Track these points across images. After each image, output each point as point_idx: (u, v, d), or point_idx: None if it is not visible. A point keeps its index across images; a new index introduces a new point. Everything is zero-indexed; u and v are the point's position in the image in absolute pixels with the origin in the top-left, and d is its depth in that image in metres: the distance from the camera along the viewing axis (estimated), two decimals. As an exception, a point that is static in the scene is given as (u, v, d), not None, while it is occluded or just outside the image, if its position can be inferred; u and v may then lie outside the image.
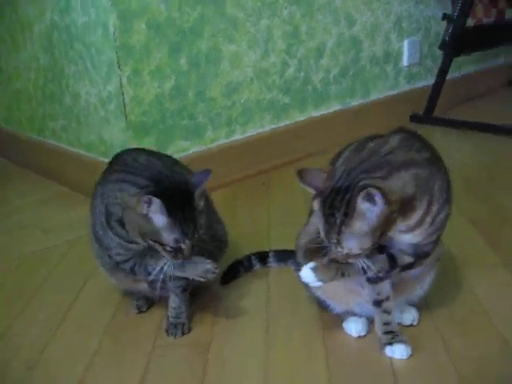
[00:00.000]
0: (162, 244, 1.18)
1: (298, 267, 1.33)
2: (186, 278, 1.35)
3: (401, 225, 1.10)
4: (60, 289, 1.61)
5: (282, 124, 2.51)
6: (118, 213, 1.23)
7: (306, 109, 2.60)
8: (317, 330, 1.34)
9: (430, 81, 3.16)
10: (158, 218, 1.16)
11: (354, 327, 1.30)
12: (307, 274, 1.16)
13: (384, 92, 2.96)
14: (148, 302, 1.48)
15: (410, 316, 1.32)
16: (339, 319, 1.34)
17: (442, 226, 1.14)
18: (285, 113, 2.51)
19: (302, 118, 2.59)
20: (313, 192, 1.12)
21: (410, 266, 1.18)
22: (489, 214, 1.90)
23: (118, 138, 2.05)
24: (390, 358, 1.21)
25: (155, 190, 1.16)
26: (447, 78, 3.04)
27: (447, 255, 1.44)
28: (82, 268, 1.69)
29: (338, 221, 1.06)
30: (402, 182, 1.07)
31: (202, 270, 1.25)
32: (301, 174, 1.12)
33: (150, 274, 1.29)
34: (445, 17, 2.76)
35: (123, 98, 1.95)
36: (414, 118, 3.00)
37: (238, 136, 2.35)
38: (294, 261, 1.40)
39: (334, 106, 2.73)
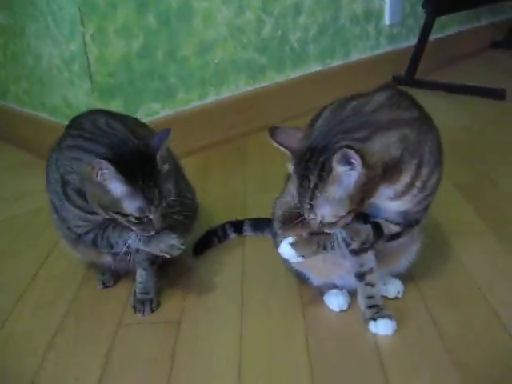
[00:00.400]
0: (124, 215, 1.07)
1: (276, 239, 1.24)
2: (153, 251, 1.25)
3: (386, 190, 1.00)
4: (20, 262, 1.50)
5: (259, 86, 2.39)
6: (75, 181, 1.12)
7: (284, 70, 2.48)
8: (295, 304, 1.25)
9: (412, 41, 3.05)
10: (115, 185, 1.05)
11: (335, 301, 1.22)
12: (286, 249, 1.07)
13: (365, 52, 2.85)
14: (114, 277, 1.38)
15: (394, 288, 1.24)
16: (319, 292, 1.26)
17: (433, 192, 1.04)
18: (261, 74, 2.39)
19: (280, 80, 2.47)
20: (287, 152, 1.02)
21: (397, 236, 1.09)
22: (474, 179, 1.83)
23: (83, 100, 1.91)
24: (374, 334, 1.14)
25: (108, 155, 1.04)
26: (430, 38, 2.92)
27: (431, 222, 1.35)
28: (45, 240, 1.58)
29: (312, 184, 0.96)
30: (386, 144, 0.97)
31: (166, 245, 1.15)
32: (273, 131, 1.02)
33: (112, 246, 1.19)
34: (428, -28, 2.64)
35: (87, 58, 1.81)
36: (396, 80, 2.90)
37: (211, 98, 2.22)
38: (270, 231, 1.31)
39: (313, 67, 2.61)
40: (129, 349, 1.16)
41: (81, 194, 1.12)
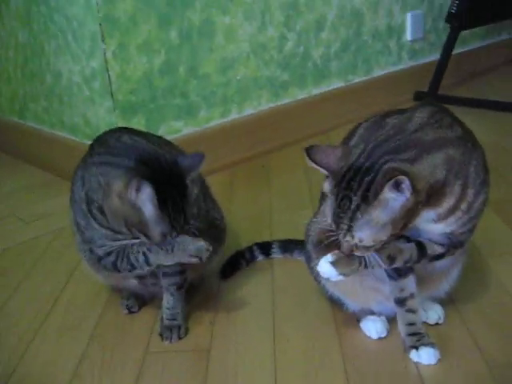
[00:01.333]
0: (147, 236, 1.03)
1: (310, 262, 1.19)
2: (181, 273, 1.20)
3: (430, 213, 0.94)
4: (42, 286, 1.45)
5: (281, 102, 2.34)
6: (99, 199, 1.07)
7: (306, 86, 2.43)
8: (330, 331, 1.19)
9: (434, 57, 2.99)
10: (148, 208, 1.00)
11: (373, 328, 1.15)
12: (326, 268, 1.00)
13: (387, 68, 2.79)
14: (139, 301, 1.32)
15: (435, 314, 1.17)
16: (355, 319, 1.20)
17: (479, 213, 0.98)
18: (284, 90, 2.34)
19: (302, 96, 2.42)
20: (324, 172, 0.96)
21: (440, 257, 1.03)
22: (508, 196, 1.76)
23: (104, 118, 1.87)
24: (416, 363, 1.07)
25: (144, 173, 0.99)
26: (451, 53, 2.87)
27: (469, 244, 1.29)
28: (67, 262, 1.53)
29: (354, 205, 0.90)
30: (432, 166, 0.91)
31: (193, 249, 1.08)
32: (310, 151, 0.97)
33: (133, 266, 1.13)
34: (452, -13, 2.59)
35: (108, 75, 1.77)
36: (418, 96, 2.84)
37: (234, 115, 2.18)
38: (304, 254, 1.25)
39: (336, 83, 2.56)
40: (157, 379, 1.10)
41: (103, 212, 1.07)
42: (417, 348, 1.07)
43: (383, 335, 1.15)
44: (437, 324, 1.17)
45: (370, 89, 2.69)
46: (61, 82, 2.02)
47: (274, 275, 1.42)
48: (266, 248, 1.49)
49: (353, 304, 1.18)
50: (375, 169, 0.90)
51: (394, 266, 1.01)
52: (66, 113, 2.06)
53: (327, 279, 1.03)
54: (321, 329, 1.20)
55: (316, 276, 1.19)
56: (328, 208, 0.96)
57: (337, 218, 0.93)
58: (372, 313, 1.17)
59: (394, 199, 0.87)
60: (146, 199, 0.99)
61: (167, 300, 1.22)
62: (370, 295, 1.15)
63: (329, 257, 1.00)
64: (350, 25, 2.54)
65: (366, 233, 0.91)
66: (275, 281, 1.40)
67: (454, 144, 0.94)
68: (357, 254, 0.96)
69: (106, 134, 1.19)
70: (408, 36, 2.85)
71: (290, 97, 2.37)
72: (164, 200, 1.00)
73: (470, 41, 3.26)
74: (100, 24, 1.72)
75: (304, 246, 1.23)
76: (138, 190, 0.98)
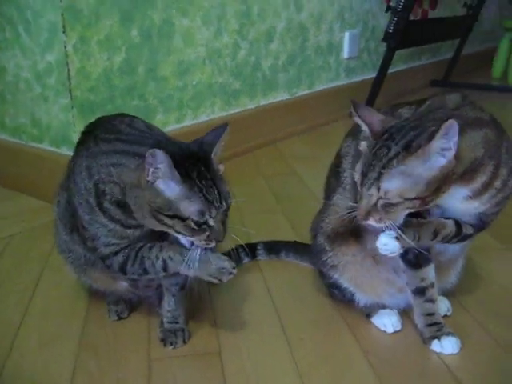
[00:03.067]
0: (182, 219, 0.91)
1: (320, 254, 1.15)
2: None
3: (463, 190, 0.94)
4: (6, 297, 1.29)
5: (233, 111, 2.30)
6: (114, 192, 0.96)
7: (256, 96, 2.41)
8: (343, 328, 1.15)
9: (366, 75, 3.12)
10: (169, 184, 0.90)
11: (388, 321, 1.13)
12: (390, 242, 0.94)
13: (327, 84, 2.86)
14: (128, 307, 1.21)
15: (444, 306, 1.17)
16: (362, 314, 1.17)
17: (511, 193, 0.99)
18: (235, 99, 2.31)
19: (252, 106, 2.40)
20: (366, 130, 0.94)
21: (465, 238, 1.03)
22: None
23: (57, 118, 1.73)
24: (438, 354, 1.05)
25: (162, 150, 0.89)
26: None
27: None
28: (27, 269, 1.38)
29: (392, 153, 0.88)
30: (473, 142, 0.91)
31: (216, 268, 0.99)
32: (356, 105, 0.95)
33: (146, 271, 1.02)
34: (389, 8, 2.71)
35: (68, 70, 1.64)
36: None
37: (188, 121, 2.10)
38: (311, 247, 1.20)
39: (282, 95, 2.57)
40: (172, 387, 1.00)
41: (121, 205, 0.96)
42: (438, 338, 1.06)
43: (398, 328, 1.13)
44: (445, 316, 1.17)
45: (313, 103, 2.72)
46: (4, 79, 1.84)
47: (264, 276, 1.36)
48: (251, 250, 1.43)
49: (365, 298, 1.15)
50: (422, 126, 0.88)
51: (435, 240, 0.99)
52: (9, 112, 1.88)
53: (390, 253, 0.97)
54: (331, 326, 1.16)
55: (327, 271, 1.15)
56: (359, 167, 0.93)
57: (367, 168, 0.90)
58: (383, 307, 1.15)
59: (436, 153, 0.86)
60: (165, 175, 0.89)
61: (168, 301, 1.12)
62: (384, 287, 1.12)
63: (392, 232, 0.94)
64: (297, 38, 2.57)
65: (394, 184, 0.88)
66: (268, 281, 1.34)
67: (489, 125, 0.95)
68: (374, 218, 0.92)
69: (110, 118, 1.08)
70: (345, 54, 2.93)
71: (240, 106, 2.34)
72: (190, 175, 0.91)
73: (395, 63, 3.42)
74: (62, 14, 1.59)
75: (311, 240, 1.19)
76: (153, 164, 0.88)
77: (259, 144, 2.39)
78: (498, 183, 0.95)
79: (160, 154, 0.87)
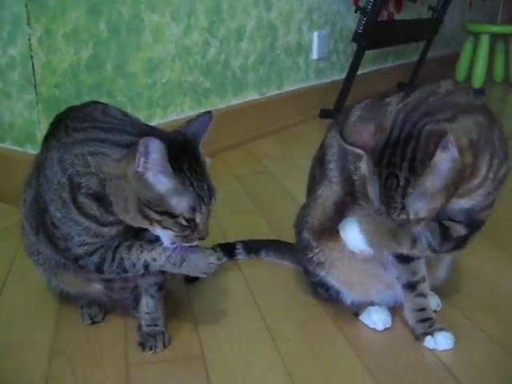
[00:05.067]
0: (173, 216, 0.86)
1: (306, 250, 1.10)
2: (163, 272, 1.04)
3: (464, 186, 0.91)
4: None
5: (202, 110, 2.23)
6: (91, 185, 0.90)
7: (226, 95, 2.36)
8: (329, 327, 1.11)
9: (335, 77, 3.11)
10: (160, 177, 0.85)
11: (378, 318, 1.09)
12: (353, 235, 0.94)
13: (296, 84, 2.83)
14: (102, 310, 1.13)
15: (434, 302, 1.14)
16: (347, 312, 1.13)
17: (500, 184, 0.96)
18: (205, 98, 2.25)
19: (222, 106, 2.35)
20: (361, 153, 0.90)
21: (463, 241, 0.99)
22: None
23: (21, 115, 1.64)
24: (431, 350, 1.02)
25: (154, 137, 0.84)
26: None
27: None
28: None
29: (402, 181, 0.84)
30: (467, 127, 0.88)
31: (204, 263, 0.94)
32: (344, 132, 0.90)
33: (125, 270, 0.96)
34: (358, 9, 2.70)
35: (33, 64, 1.56)
36: (324, 114, 2.90)
37: (157, 120, 2.03)
38: (295, 243, 1.15)
39: (252, 95, 2.52)
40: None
41: (98, 199, 0.89)
42: (431, 334, 1.03)
43: (388, 325, 1.09)
44: (434, 311, 1.13)
45: (282, 103, 2.69)
46: (-39, 75, 1.74)
47: (245, 275, 1.31)
48: (229, 249, 1.38)
49: (352, 295, 1.11)
50: (415, 136, 0.85)
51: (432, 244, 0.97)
52: (-34, 111, 1.78)
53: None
54: (318, 326, 1.11)
55: (313, 269, 1.10)
56: (371, 191, 0.90)
57: (386, 199, 0.87)
58: (372, 304, 1.11)
59: (443, 162, 0.83)
60: (157, 167, 0.83)
61: (146, 303, 1.05)
62: (372, 284, 1.09)
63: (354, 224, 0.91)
64: (266, 38, 2.53)
65: (420, 205, 0.86)
66: (248, 281, 1.28)
67: (481, 111, 0.92)
68: (408, 227, 0.90)
69: (80, 107, 1.01)
70: (314, 55, 2.91)
71: (210, 105, 2.28)
72: (182, 169, 0.85)
73: (363, 64, 3.43)
74: (26, 5, 1.51)
75: (295, 236, 1.14)
76: (146, 155, 0.82)
77: (230, 145, 2.33)
78: (491, 174, 0.93)
79: (155, 143, 0.82)
